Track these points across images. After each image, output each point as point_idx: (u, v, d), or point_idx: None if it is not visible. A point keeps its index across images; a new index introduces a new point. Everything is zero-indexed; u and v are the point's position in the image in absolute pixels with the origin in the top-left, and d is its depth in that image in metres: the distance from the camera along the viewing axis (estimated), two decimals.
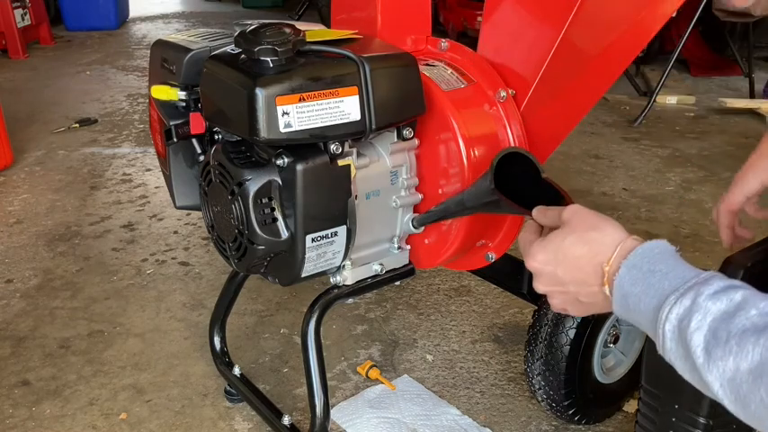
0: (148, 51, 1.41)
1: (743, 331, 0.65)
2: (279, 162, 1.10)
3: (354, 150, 1.20)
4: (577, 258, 0.82)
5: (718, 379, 0.66)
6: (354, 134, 1.12)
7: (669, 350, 0.72)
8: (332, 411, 1.53)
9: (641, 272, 0.76)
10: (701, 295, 0.69)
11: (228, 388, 1.65)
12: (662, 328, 0.72)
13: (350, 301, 2.02)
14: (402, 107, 1.18)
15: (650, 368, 1.09)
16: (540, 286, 0.89)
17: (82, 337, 1.91)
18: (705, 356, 0.67)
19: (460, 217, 1.28)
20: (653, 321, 0.74)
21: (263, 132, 1.04)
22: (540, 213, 0.94)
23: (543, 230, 0.94)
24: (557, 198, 1.00)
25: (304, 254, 1.15)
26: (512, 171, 1.05)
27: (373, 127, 1.12)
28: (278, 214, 1.13)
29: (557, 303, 0.89)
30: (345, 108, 1.09)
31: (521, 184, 1.06)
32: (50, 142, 3.44)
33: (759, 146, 1.15)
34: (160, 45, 1.34)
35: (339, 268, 1.27)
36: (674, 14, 1.36)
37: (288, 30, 1.09)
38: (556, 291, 0.87)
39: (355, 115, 1.10)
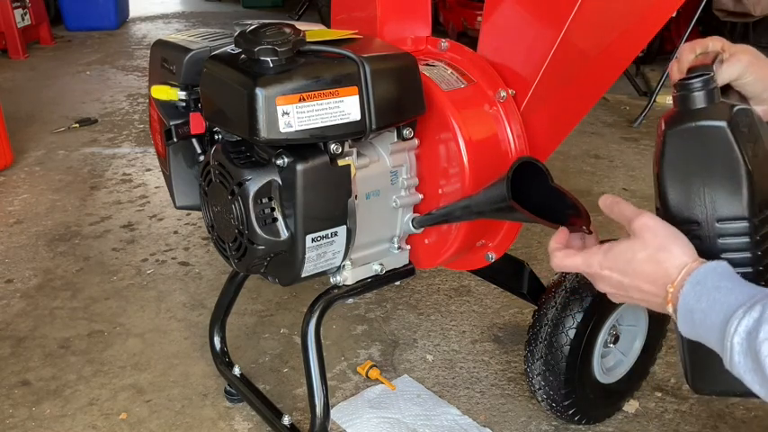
0: (148, 51, 1.41)
1: None
2: (279, 162, 1.10)
3: (354, 150, 1.20)
4: (645, 275, 0.86)
5: None
6: (354, 134, 1.12)
7: (737, 364, 0.74)
8: (332, 411, 1.53)
9: (705, 288, 0.79)
10: None
11: (228, 388, 1.65)
12: (730, 342, 0.74)
13: (350, 301, 2.02)
14: (402, 107, 1.18)
15: None
16: (602, 287, 0.93)
17: (82, 337, 1.91)
18: None
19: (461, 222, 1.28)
20: (720, 335, 0.75)
21: (263, 132, 1.04)
22: (609, 204, 0.95)
23: (572, 239, 0.99)
24: (566, 206, 1.02)
25: (304, 254, 1.15)
26: (519, 178, 1.06)
27: (373, 127, 1.12)
28: (278, 214, 1.13)
29: (615, 300, 0.94)
30: (345, 108, 1.09)
31: (529, 191, 1.07)
32: (50, 142, 3.44)
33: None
34: (160, 45, 1.34)
35: (339, 268, 1.27)
36: (674, 14, 1.36)
37: (288, 30, 1.09)
38: (617, 293, 0.92)
39: (355, 115, 1.10)
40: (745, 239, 0.87)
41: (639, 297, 0.89)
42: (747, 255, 0.88)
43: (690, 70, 0.94)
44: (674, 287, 0.83)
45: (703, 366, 0.94)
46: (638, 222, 0.88)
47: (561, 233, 0.99)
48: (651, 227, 0.87)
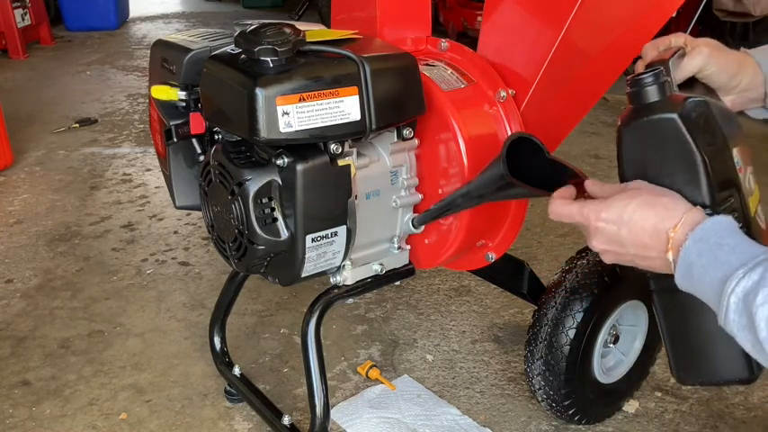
0: (148, 51, 1.41)
1: None
2: (279, 162, 1.10)
3: (354, 150, 1.20)
4: (644, 221, 0.84)
5: None
6: (354, 134, 1.12)
7: (731, 321, 0.74)
8: (332, 411, 1.53)
9: (708, 244, 0.78)
10: None
11: (228, 388, 1.65)
12: (726, 300, 0.74)
13: (350, 301, 2.02)
14: (402, 107, 1.18)
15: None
16: (596, 244, 0.90)
17: (82, 337, 1.91)
18: None
19: (462, 211, 1.27)
20: (717, 292, 0.76)
21: (263, 132, 1.04)
22: (595, 186, 0.94)
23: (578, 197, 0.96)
24: (566, 175, 1.01)
25: (304, 254, 1.15)
26: (515, 156, 1.06)
27: (373, 127, 1.12)
28: (278, 214, 1.13)
29: (609, 260, 0.90)
30: (345, 108, 1.09)
31: (526, 167, 1.07)
32: (50, 142, 3.44)
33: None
34: (160, 45, 1.34)
35: (339, 268, 1.27)
36: (673, 14, 1.36)
37: (288, 30, 1.09)
38: (612, 250, 0.89)
39: (355, 115, 1.10)
40: None
41: (635, 252, 0.86)
42: None
43: (647, 67, 0.94)
44: (675, 232, 0.81)
45: (686, 357, 0.95)
46: (633, 183, 0.88)
47: (567, 189, 0.98)
48: (646, 184, 0.88)
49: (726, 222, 0.80)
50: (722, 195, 0.86)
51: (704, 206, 0.85)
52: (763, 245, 0.78)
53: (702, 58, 0.97)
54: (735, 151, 0.90)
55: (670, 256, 0.82)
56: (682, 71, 0.97)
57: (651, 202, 0.84)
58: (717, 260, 0.77)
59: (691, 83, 0.99)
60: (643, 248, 0.85)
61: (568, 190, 0.97)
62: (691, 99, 0.89)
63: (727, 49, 1.00)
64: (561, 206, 0.94)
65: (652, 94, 0.89)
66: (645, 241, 0.84)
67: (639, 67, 0.99)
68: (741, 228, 0.82)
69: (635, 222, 0.85)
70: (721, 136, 0.89)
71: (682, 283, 0.82)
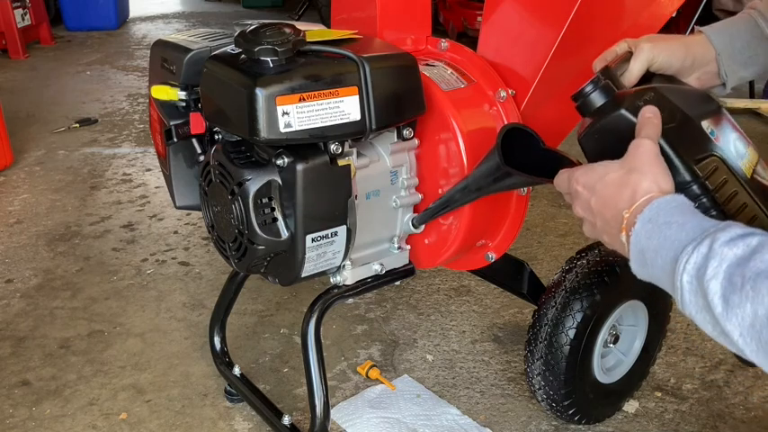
0: (148, 51, 1.41)
1: (757, 274, 0.62)
2: (279, 162, 1.10)
3: (354, 150, 1.20)
4: (609, 197, 0.80)
5: (737, 327, 0.63)
6: (354, 134, 1.12)
7: (689, 303, 0.69)
8: (332, 411, 1.53)
9: (657, 225, 0.73)
10: (716, 241, 0.66)
11: (228, 388, 1.65)
12: (680, 280, 0.68)
13: (350, 301, 2.02)
14: (402, 107, 1.18)
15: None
16: (576, 209, 0.87)
17: (82, 337, 1.91)
18: (723, 305, 0.64)
19: (461, 209, 1.27)
20: (671, 274, 0.70)
21: (263, 132, 1.04)
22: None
23: None
24: (563, 164, 1.02)
25: (304, 254, 1.15)
26: (510, 148, 1.07)
27: (373, 127, 1.12)
28: (278, 214, 1.13)
29: (587, 231, 0.87)
30: (345, 108, 1.09)
31: (522, 159, 1.07)
32: (50, 142, 3.44)
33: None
34: (160, 45, 1.34)
35: (339, 268, 1.27)
36: (674, 14, 1.36)
37: (288, 30, 1.09)
38: (587, 219, 0.86)
39: (355, 115, 1.10)
40: (704, 199, 0.86)
41: (601, 226, 0.82)
42: (715, 212, 0.87)
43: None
44: (630, 213, 0.76)
45: None
46: (636, 141, 0.82)
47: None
48: (645, 148, 0.80)
49: (677, 200, 0.75)
50: (700, 166, 0.86)
51: (685, 183, 0.85)
52: None
53: (645, 54, 0.97)
54: (706, 123, 0.90)
55: (623, 237, 0.77)
56: (631, 73, 0.98)
57: (624, 179, 0.80)
58: (666, 240, 0.71)
59: (649, 78, 1.00)
60: (606, 224, 0.81)
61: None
62: (634, 91, 0.91)
63: (669, 37, 1.01)
64: (559, 175, 0.92)
65: (596, 99, 0.92)
66: (607, 217, 0.81)
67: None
68: (734, 193, 0.80)
69: (603, 195, 0.81)
70: (680, 113, 0.89)
71: (638, 270, 0.77)
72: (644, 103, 0.87)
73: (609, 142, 0.88)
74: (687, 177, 0.85)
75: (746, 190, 0.89)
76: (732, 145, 0.93)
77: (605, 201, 0.81)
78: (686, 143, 0.87)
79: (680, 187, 0.84)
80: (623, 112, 0.88)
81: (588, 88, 0.92)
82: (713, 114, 0.93)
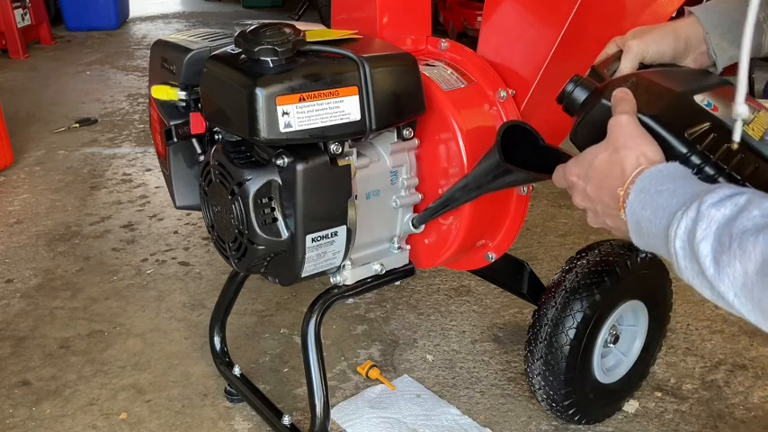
0: (148, 51, 1.41)
1: (743, 232, 0.61)
2: (279, 162, 1.10)
3: (354, 150, 1.20)
4: (602, 180, 0.80)
5: (731, 288, 0.62)
6: (354, 134, 1.12)
7: (684, 269, 0.67)
8: (332, 411, 1.53)
9: (649, 194, 0.73)
10: (704, 203, 0.65)
11: (228, 388, 1.65)
12: (674, 247, 0.68)
13: (350, 301, 2.02)
14: (402, 107, 1.18)
15: None
16: (576, 201, 0.87)
17: (82, 337, 1.91)
18: (714, 266, 0.63)
19: (461, 208, 1.27)
20: (665, 242, 0.69)
21: (263, 132, 1.04)
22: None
23: None
24: (562, 160, 1.02)
25: (304, 254, 1.15)
26: (510, 145, 1.07)
27: (373, 127, 1.12)
28: (278, 214, 1.13)
29: (591, 221, 0.86)
30: (345, 108, 1.09)
31: (521, 156, 1.08)
32: (50, 142, 3.44)
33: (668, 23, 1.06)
34: (160, 45, 1.34)
35: (339, 268, 1.27)
36: (673, 14, 1.36)
37: (288, 30, 1.09)
38: (589, 208, 0.85)
39: (355, 115, 1.10)
40: (706, 167, 0.85)
41: (603, 212, 0.81)
42: (722, 179, 0.85)
43: None
44: (623, 189, 0.76)
45: None
46: (612, 120, 0.82)
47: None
48: (622, 124, 0.80)
49: (668, 168, 0.74)
50: (696, 136, 0.85)
51: (683, 155, 0.84)
52: None
53: (633, 51, 0.98)
54: (701, 96, 0.90)
55: (623, 215, 0.77)
56: (622, 72, 0.98)
57: (612, 158, 0.79)
58: (659, 208, 0.70)
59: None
60: (606, 207, 0.81)
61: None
62: (614, 80, 0.91)
63: (654, 27, 1.00)
64: (555, 172, 0.92)
65: (579, 96, 0.93)
66: (605, 200, 0.80)
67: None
68: (742, 158, 0.80)
69: (596, 179, 0.81)
70: (666, 91, 0.90)
71: (637, 241, 0.76)
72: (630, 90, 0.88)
73: (597, 134, 0.88)
74: (682, 149, 0.84)
75: (756, 153, 0.87)
76: (734, 111, 0.92)
77: (599, 184, 0.81)
78: (675, 117, 0.86)
79: (680, 160, 0.83)
80: (604, 101, 0.88)
81: (569, 87, 0.93)
82: (711, 88, 0.93)
